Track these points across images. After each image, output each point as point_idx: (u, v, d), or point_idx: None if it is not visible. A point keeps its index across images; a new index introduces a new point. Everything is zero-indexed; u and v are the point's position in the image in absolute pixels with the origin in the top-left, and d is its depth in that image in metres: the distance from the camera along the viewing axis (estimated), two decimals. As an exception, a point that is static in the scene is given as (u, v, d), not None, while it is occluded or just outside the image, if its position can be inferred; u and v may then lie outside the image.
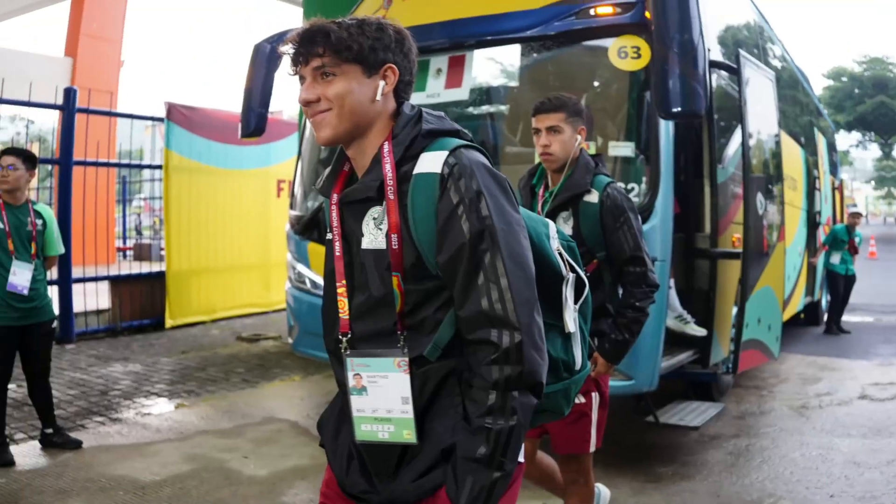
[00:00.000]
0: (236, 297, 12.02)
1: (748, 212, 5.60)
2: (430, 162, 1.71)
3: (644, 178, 5.06)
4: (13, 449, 5.39)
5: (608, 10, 5.15)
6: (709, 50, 5.13)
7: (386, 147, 1.76)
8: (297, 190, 6.89)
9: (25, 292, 5.18)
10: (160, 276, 11.05)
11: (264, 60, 6.42)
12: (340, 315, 1.82)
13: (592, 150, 4.95)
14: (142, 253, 17.19)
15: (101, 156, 10.36)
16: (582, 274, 1.95)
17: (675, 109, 4.34)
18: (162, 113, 11.00)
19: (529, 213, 1.94)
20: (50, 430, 5.57)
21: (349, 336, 1.81)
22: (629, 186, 5.05)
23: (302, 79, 1.80)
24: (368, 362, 1.78)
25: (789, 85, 9.91)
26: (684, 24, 4.40)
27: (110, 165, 11.30)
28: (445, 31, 5.77)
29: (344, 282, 1.82)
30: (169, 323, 10.92)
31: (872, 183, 65.16)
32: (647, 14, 4.81)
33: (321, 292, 1.94)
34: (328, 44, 1.72)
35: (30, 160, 5.27)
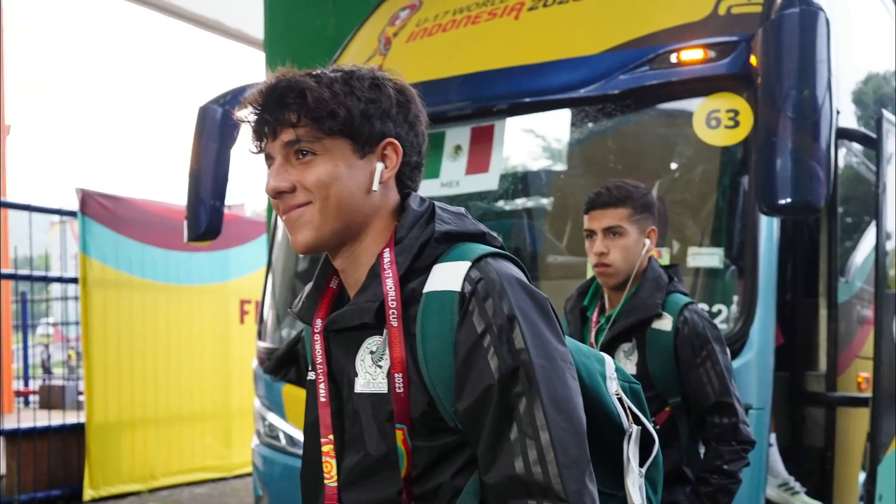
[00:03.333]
0: (184, 457, 11.89)
1: (880, 342, 5.50)
2: (447, 276, 1.74)
3: (736, 298, 5.05)
4: None
5: (697, 54, 4.94)
6: (838, 112, 5.02)
7: (387, 256, 1.77)
8: (268, 314, 6.91)
9: None
10: (77, 429, 10.96)
11: (215, 131, 6.15)
12: (326, 481, 1.83)
13: (665, 260, 4.97)
14: (51, 398, 17.09)
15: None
16: (650, 426, 1.96)
17: (782, 201, 4.23)
18: (74, 204, 10.77)
19: (579, 344, 1.98)
20: None
21: (337, 510, 1.81)
22: (715, 309, 5.04)
23: (269, 158, 1.80)
24: (363, 547, 1.78)
25: (954, 160, 9.82)
26: (806, 74, 4.21)
27: (3, 277, 11.10)
28: (467, 90, 5.66)
29: (331, 437, 1.84)
30: (89, 494, 10.77)
31: None
32: (753, 60, 4.65)
33: (300, 451, 1.96)
34: (304, 108, 1.73)
35: None
